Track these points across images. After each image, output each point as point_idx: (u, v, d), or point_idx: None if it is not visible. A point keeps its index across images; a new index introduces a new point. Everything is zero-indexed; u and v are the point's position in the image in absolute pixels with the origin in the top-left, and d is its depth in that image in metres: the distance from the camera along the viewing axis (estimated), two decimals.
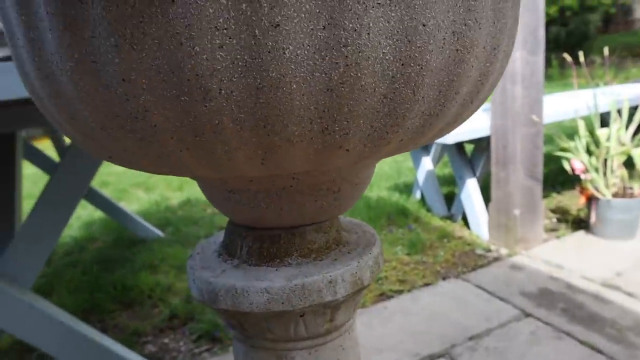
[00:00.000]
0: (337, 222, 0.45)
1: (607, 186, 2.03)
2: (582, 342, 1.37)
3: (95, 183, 3.54)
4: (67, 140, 2.28)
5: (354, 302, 0.44)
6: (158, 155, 0.32)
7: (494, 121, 2.00)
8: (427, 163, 2.49)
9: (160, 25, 0.25)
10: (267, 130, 0.29)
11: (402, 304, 1.66)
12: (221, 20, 0.25)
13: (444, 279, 1.82)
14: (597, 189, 2.04)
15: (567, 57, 2.38)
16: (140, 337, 1.59)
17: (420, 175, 2.53)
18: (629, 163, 2.14)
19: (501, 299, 1.63)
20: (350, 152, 0.32)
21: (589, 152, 2.13)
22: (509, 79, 1.90)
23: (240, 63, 0.26)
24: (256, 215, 0.40)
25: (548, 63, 8.21)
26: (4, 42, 1.20)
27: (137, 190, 3.68)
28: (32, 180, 3.90)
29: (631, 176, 2.09)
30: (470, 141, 2.21)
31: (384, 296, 1.72)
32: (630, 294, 1.60)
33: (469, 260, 1.96)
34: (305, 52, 0.26)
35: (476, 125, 2.09)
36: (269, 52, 0.26)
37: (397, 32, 0.27)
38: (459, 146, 2.21)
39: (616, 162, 2.04)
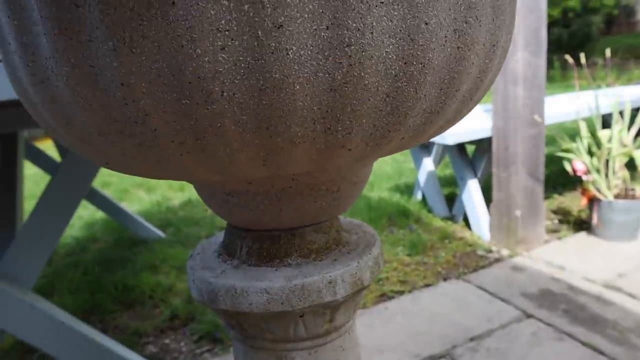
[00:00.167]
0: (337, 223, 0.45)
1: (609, 187, 2.03)
2: (583, 344, 1.36)
3: (96, 183, 3.55)
4: None
5: (353, 302, 0.44)
6: (158, 159, 0.31)
7: (496, 122, 2.00)
8: (428, 164, 2.49)
9: (160, 27, 0.25)
10: (269, 131, 0.28)
11: (403, 304, 1.66)
12: (223, 21, 0.25)
13: (445, 279, 1.82)
14: (598, 190, 2.03)
15: (569, 58, 2.38)
16: (141, 337, 1.59)
17: (422, 176, 2.53)
18: (630, 164, 2.14)
19: (502, 300, 1.63)
20: (352, 152, 0.32)
21: (591, 154, 2.13)
22: (510, 80, 1.89)
23: (242, 65, 0.26)
24: (255, 217, 0.40)
25: (550, 64, 8.20)
26: None
27: (138, 191, 3.68)
28: (33, 181, 3.90)
29: (633, 177, 2.09)
30: (472, 142, 2.21)
31: (385, 297, 1.72)
32: (632, 296, 1.60)
33: (470, 261, 1.96)
34: (309, 52, 0.26)
35: (477, 126, 2.08)
36: (272, 53, 0.25)
37: (400, 30, 0.27)
38: (460, 147, 2.21)
39: (618, 163, 2.03)
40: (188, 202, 3.13)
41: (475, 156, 2.32)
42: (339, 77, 0.27)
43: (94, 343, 1.10)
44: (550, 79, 7.80)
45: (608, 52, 2.57)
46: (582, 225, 2.19)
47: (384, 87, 0.29)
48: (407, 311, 1.61)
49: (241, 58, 0.25)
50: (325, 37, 0.26)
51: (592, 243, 2.02)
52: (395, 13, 0.27)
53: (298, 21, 0.25)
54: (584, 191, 2.06)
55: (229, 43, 0.25)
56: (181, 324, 1.64)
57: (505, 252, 2.02)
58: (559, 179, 2.78)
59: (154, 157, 0.31)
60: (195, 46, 0.25)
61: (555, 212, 2.40)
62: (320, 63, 0.26)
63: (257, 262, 0.41)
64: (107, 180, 4.07)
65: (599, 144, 2.08)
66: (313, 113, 0.28)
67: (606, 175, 2.05)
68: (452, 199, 2.53)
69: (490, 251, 2.04)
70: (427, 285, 1.78)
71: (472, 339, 1.43)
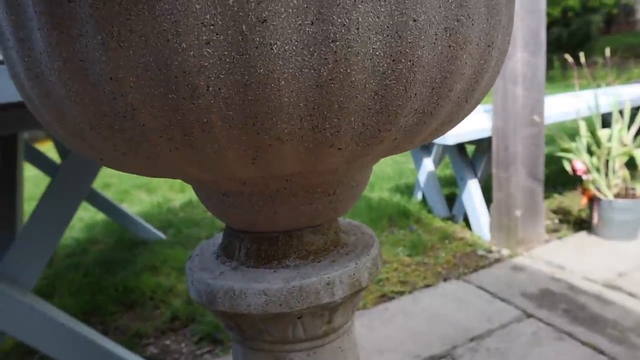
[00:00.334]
0: (336, 224, 0.45)
1: (609, 187, 2.03)
2: (583, 343, 1.36)
3: (97, 185, 3.55)
4: None
5: (352, 303, 0.44)
6: (148, 155, 0.31)
7: (495, 122, 2.00)
8: (428, 164, 2.49)
9: (147, 22, 0.25)
10: (256, 128, 0.28)
11: (403, 305, 1.66)
12: (208, 16, 0.25)
13: (445, 280, 1.82)
14: (598, 190, 2.03)
15: (569, 58, 2.38)
16: (141, 338, 1.59)
17: (422, 177, 2.53)
18: (631, 164, 2.14)
19: (502, 300, 1.63)
20: (342, 151, 0.32)
21: (591, 153, 2.13)
22: (510, 80, 1.89)
23: (227, 59, 0.26)
24: (250, 218, 0.40)
25: (550, 64, 8.19)
26: None
27: (138, 192, 3.68)
28: (33, 183, 3.90)
29: (633, 177, 2.09)
30: (472, 142, 2.21)
31: (385, 297, 1.72)
32: (632, 295, 1.60)
33: (470, 262, 1.96)
34: (294, 47, 0.26)
35: (477, 126, 2.08)
36: (256, 47, 0.25)
37: (387, 27, 0.27)
38: (460, 147, 2.21)
39: (618, 162, 2.03)
40: (188, 204, 3.13)
41: (475, 156, 2.32)
42: (324, 73, 0.27)
43: (95, 344, 1.10)
44: (550, 78, 7.80)
45: (608, 51, 2.57)
46: (582, 224, 2.19)
47: (372, 85, 0.28)
48: (407, 312, 1.61)
49: (226, 53, 0.25)
50: (310, 33, 0.26)
51: (592, 242, 2.02)
52: (382, 9, 0.27)
53: (282, 16, 0.25)
54: (584, 191, 2.06)
55: (214, 37, 0.25)
56: (182, 325, 1.64)
57: (505, 252, 2.02)
58: (559, 179, 2.78)
59: (144, 152, 0.31)
60: (181, 40, 0.25)
61: (555, 211, 2.40)
62: (306, 59, 0.26)
63: (256, 264, 0.41)
64: (108, 182, 4.07)
65: (598, 144, 2.08)
66: (300, 110, 0.28)
67: (606, 175, 2.05)
68: (452, 199, 2.52)
69: (490, 251, 2.04)
70: (427, 286, 1.78)
71: (472, 339, 1.43)
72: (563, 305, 1.57)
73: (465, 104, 0.35)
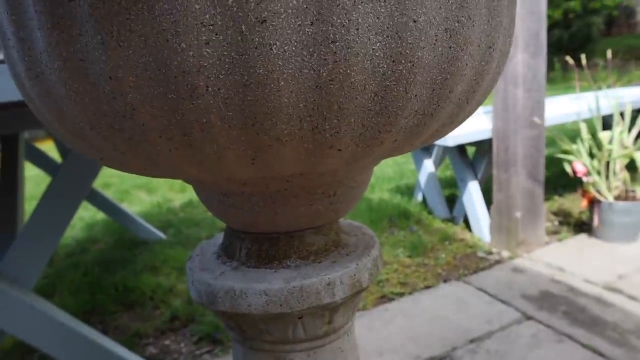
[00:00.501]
0: (337, 225, 0.45)
1: (609, 189, 2.03)
2: (583, 346, 1.36)
3: (97, 184, 3.55)
4: None
5: (352, 304, 0.44)
6: (147, 155, 0.31)
7: (496, 124, 2.00)
8: (428, 165, 2.49)
9: (147, 21, 0.25)
10: (255, 128, 0.28)
11: (403, 306, 1.66)
12: (207, 16, 0.25)
13: (445, 281, 1.82)
14: (599, 192, 2.03)
15: (570, 59, 2.38)
16: (141, 338, 1.59)
17: (422, 178, 2.53)
18: (631, 166, 2.14)
19: (502, 302, 1.63)
20: (342, 152, 0.31)
21: (591, 155, 2.13)
22: (510, 81, 1.90)
23: (227, 59, 0.26)
24: (250, 219, 0.40)
25: (550, 66, 8.19)
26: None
27: (139, 192, 3.68)
28: (34, 182, 3.91)
29: (634, 179, 2.09)
30: (472, 143, 2.21)
31: (385, 299, 1.72)
32: (632, 297, 1.60)
33: (471, 263, 1.96)
34: (293, 48, 0.26)
35: (478, 127, 2.09)
36: (256, 48, 0.25)
37: (387, 28, 0.27)
38: (461, 148, 2.21)
39: (618, 165, 2.03)
40: (189, 204, 3.13)
41: (475, 158, 2.32)
42: (324, 73, 0.27)
43: (95, 344, 1.10)
44: (550, 80, 7.79)
45: (609, 53, 2.57)
46: (582, 226, 2.19)
47: (371, 86, 0.28)
48: (407, 313, 1.61)
49: (225, 53, 0.25)
50: (309, 33, 0.26)
51: (593, 245, 2.02)
52: (382, 10, 0.26)
53: (282, 16, 0.25)
54: (584, 193, 2.06)
55: (213, 37, 0.25)
56: (181, 325, 1.64)
57: (505, 253, 2.01)
58: (559, 181, 2.78)
59: (144, 152, 0.31)
60: (180, 40, 0.25)
61: (555, 213, 2.40)
62: (305, 59, 0.26)
63: (256, 264, 0.41)
64: (108, 182, 4.07)
65: (599, 146, 2.08)
66: (299, 110, 0.28)
67: (606, 177, 2.05)
68: (452, 201, 2.52)
69: (490, 253, 2.04)
70: (427, 287, 1.78)
71: (472, 341, 1.43)
72: (563, 307, 1.57)
73: (466, 105, 0.35)
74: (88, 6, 0.25)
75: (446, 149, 2.35)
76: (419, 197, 2.68)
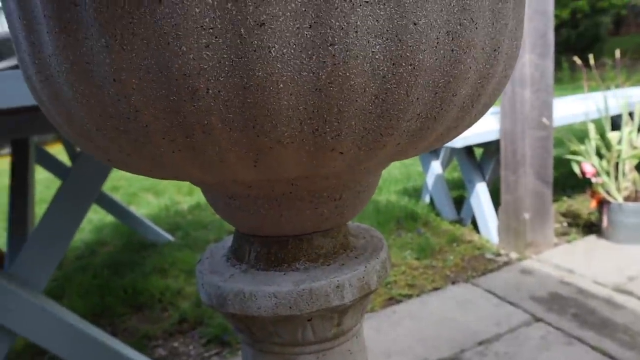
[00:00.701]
0: (345, 228, 0.45)
1: (618, 190, 2.01)
2: (593, 348, 1.35)
3: (105, 187, 3.57)
4: None
5: (361, 306, 0.44)
6: (152, 156, 0.32)
7: (503, 125, 1.99)
8: (436, 167, 2.49)
9: (149, 25, 0.26)
10: (256, 130, 0.28)
11: (411, 308, 1.65)
12: (207, 19, 0.25)
13: (453, 283, 1.81)
14: (608, 193, 2.02)
15: (578, 60, 2.36)
16: (150, 340, 1.60)
17: (430, 179, 2.53)
18: None
19: (511, 304, 1.62)
20: (344, 155, 0.32)
21: (600, 156, 2.11)
22: (518, 82, 1.89)
23: (226, 62, 0.26)
24: (256, 221, 0.40)
25: (558, 66, 8.13)
26: (14, 52, 1.22)
27: (147, 195, 3.70)
28: (44, 185, 3.94)
29: None
30: (480, 145, 2.20)
31: (393, 300, 1.71)
32: None
33: (479, 265, 1.95)
34: (292, 51, 0.26)
35: (485, 129, 2.08)
36: (255, 51, 0.26)
37: (387, 30, 0.27)
38: (468, 150, 2.20)
39: (628, 165, 2.02)
40: (197, 206, 3.14)
41: (483, 159, 2.31)
42: (323, 76, 0.27)
43: (104, 346, 1.11)
44: (558, 80, 7.74)
45: (618, 52, 2.56)
46: (591, 228, 2.18)
47: (372, 88, 0.28)
48: (415, 315, 1.61)
49: (225, 56, 0.26)
50: (308, 36, 0.26)
51: (602, 246, 2.00)
52: (381, 13, 0.26)
53: (280, 19, 0.25)
54: (593, 194, 2.05)
55: (213, 41, 0.25)
56: (190, 328, 1.65)
57: (513, 255, 2.00)
58: (567, 182, 2.76)
59: (148, 153, 0.32)
60: (181, 43, 0.26)
61: (564, 214, 2.39)
62: (304, 62, 0.26)
63: (266, 267, 0.42)
64: (116, 185, 4.10)
65: (608, 146, 2.07)
66: (299, 113, 0.28)
67: (616, 178, 2.03)
68: (460, 202, 2.52)
69: (498, 254, 2.03)
70: (435, 289, 1.77)
71: (480, 343, 1.42)
72: (572, 309, 1.56)
73: (471, 109, 0.34)
74: (93, 10, 0.26)
75: (453, 151, 2.34)
76: (427, 199, 2.67)
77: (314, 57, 0.26)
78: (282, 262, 0.41)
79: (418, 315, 1.61)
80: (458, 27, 0.29)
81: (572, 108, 2.43)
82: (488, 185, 2.22)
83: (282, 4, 0.25)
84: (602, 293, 1.64)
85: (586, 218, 2.29)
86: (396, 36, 0.27)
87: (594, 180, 2.03)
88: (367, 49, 0.27)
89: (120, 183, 4.17)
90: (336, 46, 0.26)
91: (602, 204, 2.02)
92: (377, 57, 0.27)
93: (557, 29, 9.42)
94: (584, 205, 2.44)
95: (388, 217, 2.46)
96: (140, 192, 3.79)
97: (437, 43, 0.29)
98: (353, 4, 0.26)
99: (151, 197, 3.61)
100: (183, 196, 3.51)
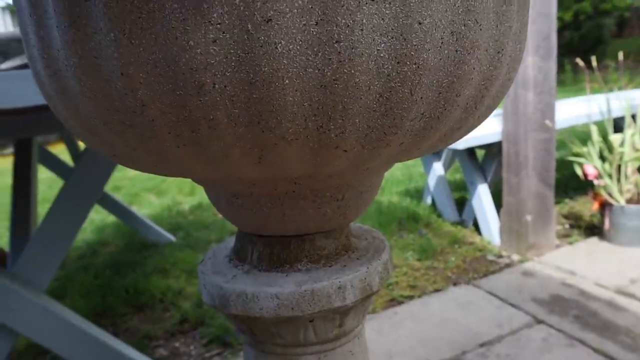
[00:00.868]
0: (347, 229, 0.45)
1: (620, 192, 2.01)
2: (595, 350, 1.35)
3: (107, 187, 3.58)
4: (82, 145, 2.32)
5: (363, 307, 0.44)
6: (158, 151, 0.32)
7: (506, 126, 1.99)
8: (438, 168, 2.49)
9: (157, 19, 0.26)
10: (261, 126, 0.29)
11: (413, 309, 1.65)
12: (215, 15, 0.25)
13: (454, 284, 1.81)
14: (610, 195, 2.02)
15: (580, 62, 2.36)
16: (151, 340, 1.60)
17: (431, 181, 2.52)
18: None
19: (513, 306, 1.62)
20: (348, 153, 0.32)
21: (602, 158, 2.11)
22: (520, 84, 1.89)
23: (233, 57, 0.26)
24: (259, 221, 0.40)
25: (561, 68, 8.12)
26: (19, 52, 1.23)
27: (148, 195, 3.71)
28: (47, 185, 3.95)
29: None
30: (482, 146, 2.20)
31: (394, 302, 1.71)
32: None
33: (480, 266, 1.95)
34: (298, 47, 0.26)
35: (487, 130, 2.08)
36: (261, 46, 0.26)
37: (392, 29, 0.27)
38: (470, 151, 2.20)
39: (630, 168, 2.01)
40: (198, 206, 3.14)
41: (485, 161, 2.31)
42: (328, 73, 0.27)
43: (106, 346, 1.11)
44: (561, 82, 7.73)
45: (620, 55, 2.55)
46: (593, 230, 2.17)
47: (376, 86, 0.28)
48: (416, 316, 1.61)
49: (232, 51, 0.26)
50: (314, 33, 0.26)
51: (604, 248, 2.00)
52: (387, 11, 0.27)
53: (287, 16, 0.25)
54: (596, 196, 2.04)
55: (220, 36, 0.26)
56: (191, 328, 1.65)
57: (515, 257, 2.00)
58: (570, 184, 2.76)
59: (154, 148, 0.32)
60: (189, 38, 0.26)
61: (566, 216, 2.38)
62: (310, 58, 0.26)
63: (268, 267, 0.42)
64: (118, 185, 4.10)
65: (610, 148, 2.07)
66: (304, 109, 0.28)
67: (618, 180, 2.03)
68: (462, 204, 2.51)
69: (500, 256, 2.02)
70: (436, 290, 1.77)
71: (482, 345, 1.42)
72: (574, 311, 1.56)
73: (474, 110, 0.35)
74: (102, 5, 0.26)
75: (455, 152, 2.34)
76: (428, 200, 2.67)
77: (320, 53, 0.26)
78: (284, 263, 0.41)
79: (419, 316, 1.60)
80: (462, 27, 0.29)
81: (574, 110, 2.42)
82: (490, 187, 2.22)
83: (289, 0, 0.25)
84: (604, 295, 1.64)
85: (588, 220, 2.29)
86: (401, 35, 0.27)
87: (596, 182, 2.03)
88: (372, 47, 0.27)
89: (122, 183, 4.18)
90: (342, 43, 0.26)
91: (604, 206, 2.02)
92: (382, 55, 0.28)
93: (560, 31, 9.41)
94: (586, 207, 2.43)
95: (390, 218, 2.46)
96: (142, 193, 3.80)
97: (442, 43, 0.29)
98: (359, 2, 0.26)
99: (153, 198, 3.62)
100: (185, 196, 3.51)
